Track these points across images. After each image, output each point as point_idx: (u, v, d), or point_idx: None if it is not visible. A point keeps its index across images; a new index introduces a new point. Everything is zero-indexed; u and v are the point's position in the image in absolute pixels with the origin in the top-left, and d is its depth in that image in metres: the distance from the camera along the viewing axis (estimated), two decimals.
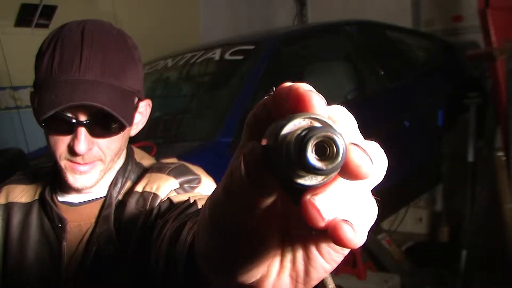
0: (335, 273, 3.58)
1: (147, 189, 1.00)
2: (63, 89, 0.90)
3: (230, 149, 2.35)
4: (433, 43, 3.96)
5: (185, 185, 1.00)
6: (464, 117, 3.49)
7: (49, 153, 1.01)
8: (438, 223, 4.16)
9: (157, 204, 0.97)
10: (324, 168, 0.33)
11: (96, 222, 1.02)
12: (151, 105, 1.06)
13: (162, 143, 2.47)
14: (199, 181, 1.01)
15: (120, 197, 1.04)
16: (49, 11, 3.49)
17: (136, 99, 1.01)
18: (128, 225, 0.99)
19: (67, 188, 1.04)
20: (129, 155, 1.09)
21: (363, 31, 3.44)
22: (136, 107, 1.01)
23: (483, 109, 3.40)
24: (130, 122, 0.97)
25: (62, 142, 0.95)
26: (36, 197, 1.09)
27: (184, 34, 4.41)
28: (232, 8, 5.03)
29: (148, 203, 0.98)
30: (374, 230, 3.63)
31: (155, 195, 0.99)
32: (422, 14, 4.85)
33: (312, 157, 0.32)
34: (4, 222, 1.09)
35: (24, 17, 3.42)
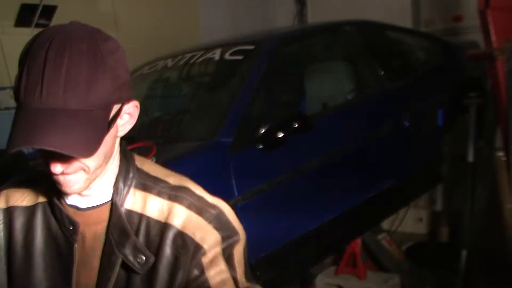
0: (335, 273, 3.58)
1: (189, 233, 1.02)
2: (23, 125, 0.91)
3: (230, 149, 2.35)
4: (433, 43, 3.96)
5: (228, 240, 1.05)
6: (464, 117, 3.49)
7: None
8: (438, 223, 4.16)
9: (199, 254, 1.02)
10: None
11: (107, 229, 1.04)
12: (138, 106, 1.03)
13: (162, 143, 2.47)
14: (238, 238, 1.06)
15: (131, 206, 1.05)
16: (49, 11, 3.49)
17: (119, 105, 0.98)
18: (163, 257, 1.02)
19: None
20: (129, 161, 1.08)
21: (363, 31, 3.43)
22: (118, 114, 0.98)
23: (483, 109, 3.40)
24: (93, 151, 0.92)
25: (42, 157, 0.96)
26: (40, 200, 1.09)
27: (184, 34, 4.41)
28: (232, 8, 5.03)
29: (190, 251, 1.02)
30: (374, 230, 3.64)
31: (199, 246, 1.02)
32: (422, 14, 4.85)
33: None
34: (6, 227, 1.08)
35: (24, 17, 3.42)
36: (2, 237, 1.09)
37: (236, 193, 2.28)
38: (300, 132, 2.47)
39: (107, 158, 1.00)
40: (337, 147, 2.82)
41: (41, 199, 1.09)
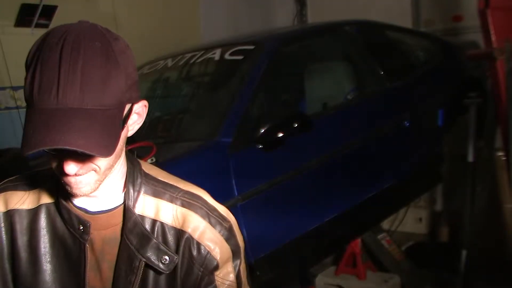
0: (335, 273, 3.58)
1: (205, 244, 1.06)
2: (39, 126, 0.88)
3: (230, 149, 2.35)
4: (433, 43, 3.96)
5: (236, 260, 1.10)
6: (464, 117, 3.49)
7: None
8: (438, 223, 4.16)
9: (212, 267, 1.06)
10: None
11: (122, 237, 1.04)
12: (147, 105, 1.04)
13: (162, 143, 2.47)
14: (242, 252, 1.12)
15: (141, 212, 1.05)
16: (49, 11, 3.48)
17: (129, 105, 0.99)
18: (179, 261, 1.05)
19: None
20: (135, 166, 1.08)
21: (363, 31, 3.43)
22: (129, 113, 0.99)
23: (483, 109, 3.40)
24: (112, 151, 0.93)
25: (54, 160, 0.95)
26: (42, 202, 1.08)
27: (184, 34, 4.41)
28: (232, 8, 5.03)
29: (204, 262, 1.06)
30: (374, 230, 3.64)
31: (213, 259, 1.06)
32: (422, 14, 4.85)
33: None
34: (7, 231, 1.07)
35: (24, 17, 3.41)
36: (4, 242, 1.07)
37: (236, 193, 2.28)
38: (300, 132, 2.47)
39: (117, 158, 1.01)
40: (337, 147, 2.82)
41: (44, 201, 1.08)
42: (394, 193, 3.17)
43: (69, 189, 0.97)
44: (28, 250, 1.05)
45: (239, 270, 1.11)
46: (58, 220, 1.06)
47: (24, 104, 3.22)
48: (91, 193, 0.99)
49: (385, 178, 3.12)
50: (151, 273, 1.05)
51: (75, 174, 0.94)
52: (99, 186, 0.99)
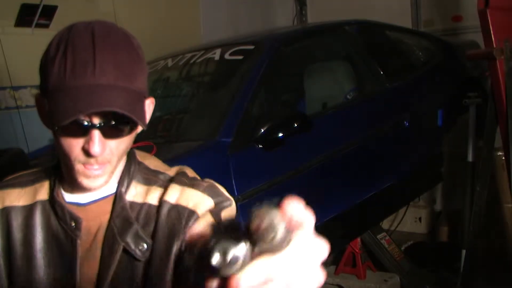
0: (334, 272, 3.58)
1: (183, 203, 1.03)
2: (80, 95, 0.90)
3: (230, 149, 2.35)
4: (433, 43, 3.96)
5: (220, 205, 1.04)
6: (464, 117, 3.49)
7: (56, 154, 1.01)
8: (438, 223, 4.17)
9: (192, 220, 1.02)
10: (227, 268, 0.47)
11: (109, 221, 1.04)
12: (154, 102, 1.06)
13: (162, 143, 2.47)
14: (230, 203, 1.06)
15: (132, 199, 1.06)
16: (49, 11, 3.49)
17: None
18: (159, 233, 1.02)
19: (74, 188, 1.05)
20: (130, 156, 1.09)
21: (363, 31, 3.44)
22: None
23: (483, 109, 3.40)
24: (146, 124, 0.98)
25: (76, 145, 0.96)
26: (38, 198, 1.08)
27: (185, 34, 4.41)
28: (232, 8, 5.03)
29: (184, 218, 1.02)
30: (374, 230, 3.64)
31: (192, 212, 1.02)
32: (422, 14, 4.85)
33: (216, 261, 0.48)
34: (3, 227, 1.08)
35: (24, 17, 3.42)
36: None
37: (236, 193, 2.28)
38: (300, 132, 2.47)
39: (125, 153, 1.03)
40: (337, 147, 2.82)
41: (40, 197, 1.09)
42: (394, 192, 3.18)
43: (85, 182, 0.98)
44: (23, 245, 1.06)
45: (218, 216, 1.05)
46: (52, 217, 1.07)
47: (24, 104, 3.24)
48: (103, 186, 1.01)
49: (385, 177, 3.12)
50: (129, 259, 1.03)
51: (96, 161, 0.96)
52: (110, 179, 1.01)
